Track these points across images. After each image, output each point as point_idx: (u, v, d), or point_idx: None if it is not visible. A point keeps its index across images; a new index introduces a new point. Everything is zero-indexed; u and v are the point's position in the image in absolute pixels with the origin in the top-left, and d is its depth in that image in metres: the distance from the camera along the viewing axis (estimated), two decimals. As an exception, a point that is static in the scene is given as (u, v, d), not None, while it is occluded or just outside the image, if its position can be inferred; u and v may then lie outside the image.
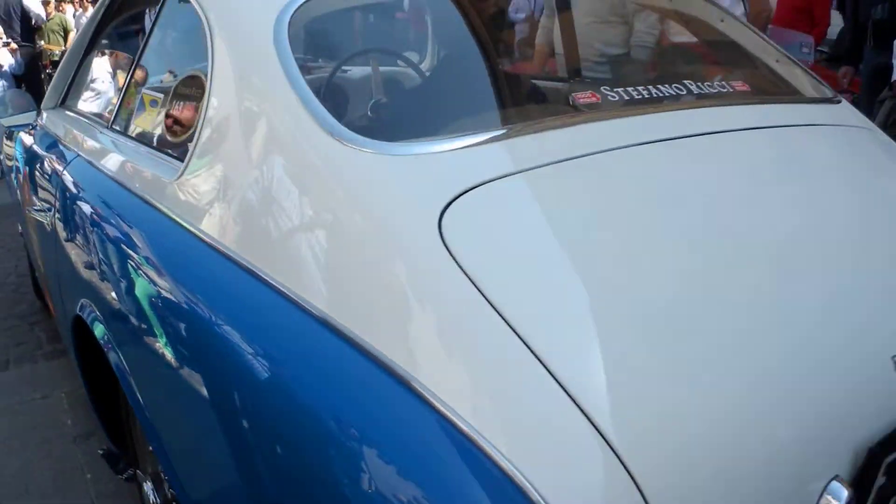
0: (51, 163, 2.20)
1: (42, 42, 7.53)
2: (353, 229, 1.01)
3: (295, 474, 0.90)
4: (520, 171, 1.08)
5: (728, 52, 1.85)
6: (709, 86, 1.49)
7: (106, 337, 1.50)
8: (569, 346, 0.88)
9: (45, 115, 2.65)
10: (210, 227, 1.21)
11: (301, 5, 1.27)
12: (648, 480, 0.79)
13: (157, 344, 1.24)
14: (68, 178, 1.94)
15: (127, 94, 1.88)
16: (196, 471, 1.21)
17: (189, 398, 1.13)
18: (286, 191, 1.11)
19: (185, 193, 1.31)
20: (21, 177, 2.70)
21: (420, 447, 0.82)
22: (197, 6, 1.43)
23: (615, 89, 1.38)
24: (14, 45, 6.65)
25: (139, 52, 1.86)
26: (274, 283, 1.03)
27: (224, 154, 1.24)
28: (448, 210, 0.98)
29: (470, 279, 0.90)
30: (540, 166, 1.10)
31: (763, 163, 1.38)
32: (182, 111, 1.46)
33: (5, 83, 6.42)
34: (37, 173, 2.37)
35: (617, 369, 0.87)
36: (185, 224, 1.27)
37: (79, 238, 1.74)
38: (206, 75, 1.32)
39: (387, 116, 1.65)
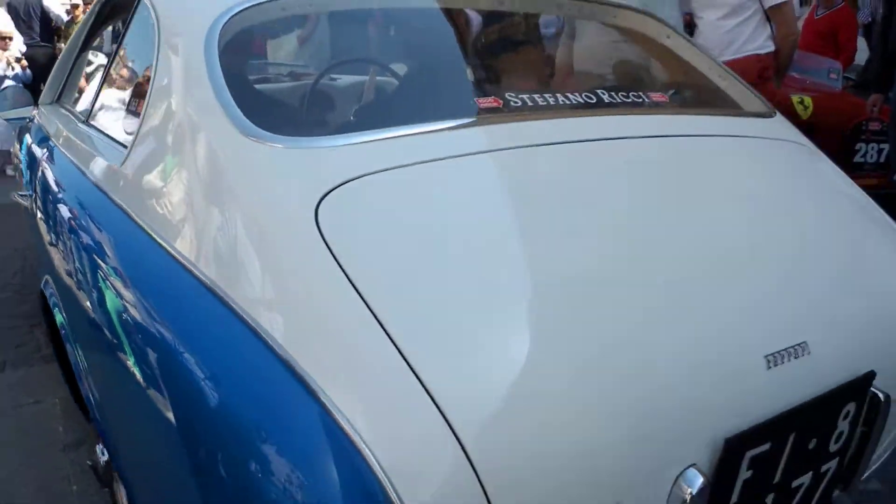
0: (38, 154, 2.29)
1: (61, 44, 7.55)
2: (252, 213, 1.08)
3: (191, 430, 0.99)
4: (399, 167, 1.14)
5: (672, 67, 1.93)
6: (623, 96, 1.52)
7: (63, 325, 1.62)
8: (425, 336, 0.92)
9: (41, 110, 2.70)
10: (142, 211, 1.30)
11: (233, 16, 1.37)
12: (489, 468, 0.84)
13: (98, 330, 1.31)
14: (47, 167, 2.07)
15: (101, 90, 1.99)
16: (136, 457, 1.27)
17: (122, 382, 1.20)
18: (200, 179, 1.20)
19: (126, 179, 1.42)
20: (21, 170, 2.79)
21: (286, 419, 0.87)
22: (153, 13, 1.53)
23: (520, 96, 1.42)
24: (24, 63, 6.63)
25: (114, 51, 1.95)
26: (188, 266, 1.11)
27: (156, 145, 1.34)
28: (326, 199, 1.04)
29: (340, 266, 0.95)
30: (417, 163, 1.16)
31: (660, 168, 1.39)
32: (135, 107, 1.57)
33: (16, 84, 6.41)
34: (28, 165, 2.44)
35: (470, 358, 0.91)
36: (125, 207, 1.37)
37: (47, 221, 1.87)
38: (153, 75, 1.43)
39: (298, 115, 1.76)
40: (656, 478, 0.99)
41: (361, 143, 1.18)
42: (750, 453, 1.05)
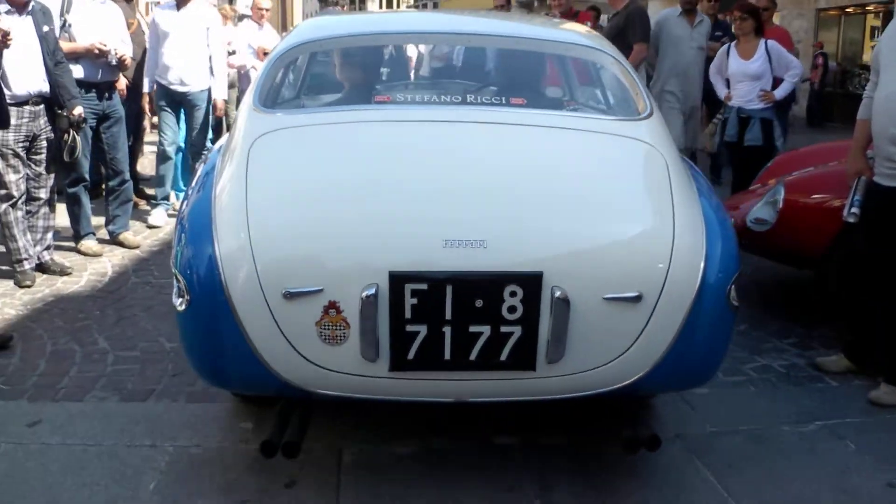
0: None
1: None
2: (239, 142, 2.38)
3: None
4: (308, 125, 2.50)
5: (592, 81, 3.30)
6: (486, 99, 2.74)
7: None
8: (261, 202, 2.06)
9: None
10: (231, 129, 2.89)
11: (290, 49, 2.92)
12: (262, 253, 1.96)
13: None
14: None
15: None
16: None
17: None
18: (239, 124, 2.55)
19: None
20: None
21: (202, 216, 2.14)
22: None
23: (405, 95, 3.08)
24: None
25: None
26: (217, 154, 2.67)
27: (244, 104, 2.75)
28: (261, 136, 2.32)
29: (246, 172, 2.16)
30: (322, 124, 2.51)
31: (478, 136, 2.35)
32: None
33: None
34: None
35: (281, 210, 2.09)
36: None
37: None
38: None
39: (286, 98, 2.99)
40: (353, 282, 1.91)
41: (304, 114, 2.80)
42: (410, 286, 1.89)
